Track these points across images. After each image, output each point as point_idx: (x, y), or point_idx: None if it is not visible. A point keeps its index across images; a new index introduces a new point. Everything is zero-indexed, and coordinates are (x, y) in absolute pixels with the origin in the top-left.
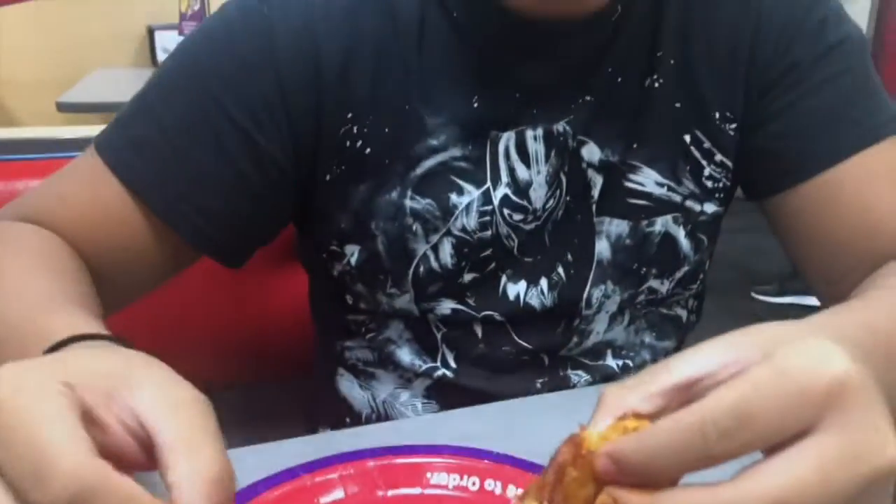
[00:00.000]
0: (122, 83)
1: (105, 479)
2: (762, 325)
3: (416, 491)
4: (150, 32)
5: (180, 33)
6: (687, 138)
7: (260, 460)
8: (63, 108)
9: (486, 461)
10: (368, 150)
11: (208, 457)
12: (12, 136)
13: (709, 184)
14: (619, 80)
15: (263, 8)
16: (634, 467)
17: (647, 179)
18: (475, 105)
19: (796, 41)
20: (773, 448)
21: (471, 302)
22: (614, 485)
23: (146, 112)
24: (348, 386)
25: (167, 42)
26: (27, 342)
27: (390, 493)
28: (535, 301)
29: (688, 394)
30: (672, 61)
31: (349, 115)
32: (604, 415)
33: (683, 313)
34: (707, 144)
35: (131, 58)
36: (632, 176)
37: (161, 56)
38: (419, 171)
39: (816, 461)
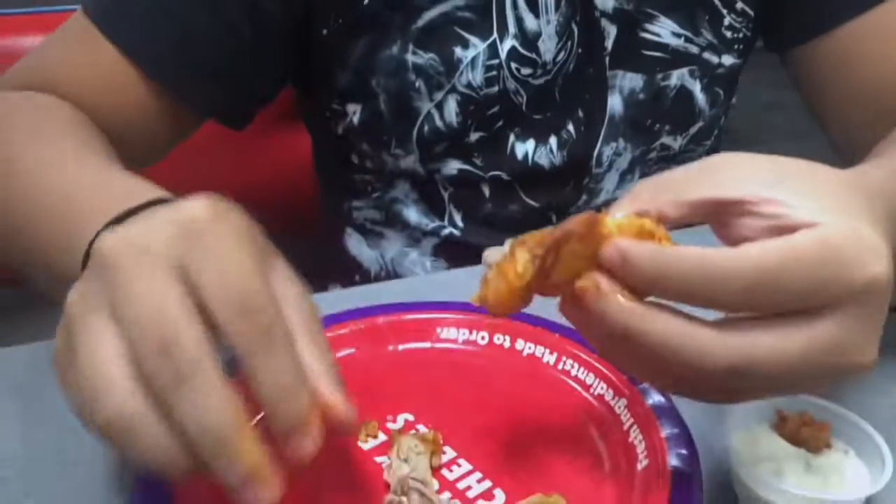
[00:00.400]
0: None
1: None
2: (811, 171)
3: (426, 345)
4: None
5: None
6: None
7: None
8: None
9: None
10: (366, 0)
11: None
12: None
13: (728, 34)
14: None
15: None
16: (640, 274)
17: (664, 30)
18: None
19: None
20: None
21: (478, 162)
22: (608, 274)
23: None
24: (356, 245)
25: None
26: (95, 204)
27: (401, 347)
28: (543, 160)
29: (718, 212)
30: None
31: None
32: (630, 204)
33: None
34: None
35: None
36: (647, 26)
37: None
38: (420, 22)
39: (805, 342)
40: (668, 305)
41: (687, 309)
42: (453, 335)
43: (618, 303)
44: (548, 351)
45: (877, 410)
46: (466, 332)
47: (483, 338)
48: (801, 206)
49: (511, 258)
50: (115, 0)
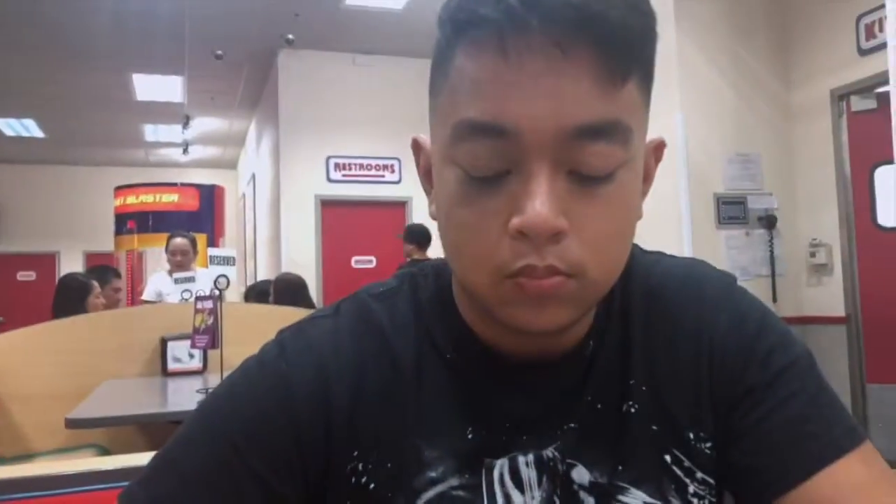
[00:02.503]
0: (131, 393)
1: None
2: None
3: None
4: (163, 343)
5: (192, 346)
6: (668, 458)
7: None
8: (71, 424)
9: None
10: (372, 485)
11: None
12: (24, 473)
13: (695, 501)
14: (599, 406)
15: (282, 363)
16: None
17: (636, 500)
18: (469, 436)
19: (748, 369)
20: None
21: None
22: None
23: (169, 465)
24: None
25: (178, 352)
26: None
27: None
28: None
29: None
30: (644, 387)
31: (355, 454)
32: None
33: None
34: (687, 463)
35: (142, 366)
36: (621, 497)
37: (171, 364)
38: (420, 502)
39: None
40: None
41: None
42: None
43: None
44: None
45: None
46: None
47: None
48: None
49: None
50: (151, 499)
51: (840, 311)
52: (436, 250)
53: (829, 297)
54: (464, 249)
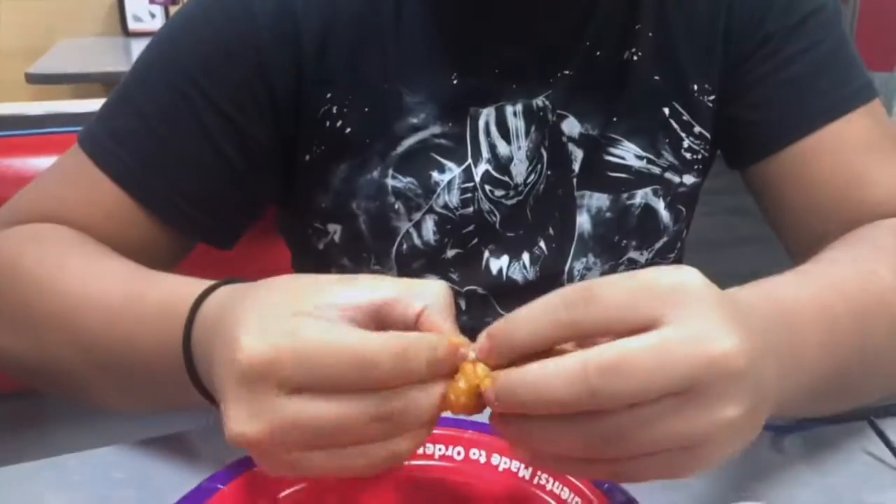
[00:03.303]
0: (92, 52)
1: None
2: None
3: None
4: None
5: (151, 2)
6: (666, 111)
7: None
8: (32, 79)
9: (470, 431)
10: (348, 129)
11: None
12: None
13: (688, 155)
14: (598, 53)
15: None
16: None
17: (627, 153)
18: (454, 82)
19: (769, 14)
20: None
21: (454, 276)
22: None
23: (126, 102)
24: None
25: (137, 9)
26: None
27: None
28: (517, 275)
29: None
30: (650, 34)
31: (328, 95)
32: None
33: None
34: (686, 117)
35: (101, 26)
36: (612, 149)
37: (131, 24)
38: (400, 149)
39: (656, 339)
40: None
41: None
42: (429, 450)
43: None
44: (523, 466)
45: None
46: (442, 447)
47: (459, 453)
48: None
49: (475, 362)
50: (112, 135)
51: None
52: None
53: None
54: None
